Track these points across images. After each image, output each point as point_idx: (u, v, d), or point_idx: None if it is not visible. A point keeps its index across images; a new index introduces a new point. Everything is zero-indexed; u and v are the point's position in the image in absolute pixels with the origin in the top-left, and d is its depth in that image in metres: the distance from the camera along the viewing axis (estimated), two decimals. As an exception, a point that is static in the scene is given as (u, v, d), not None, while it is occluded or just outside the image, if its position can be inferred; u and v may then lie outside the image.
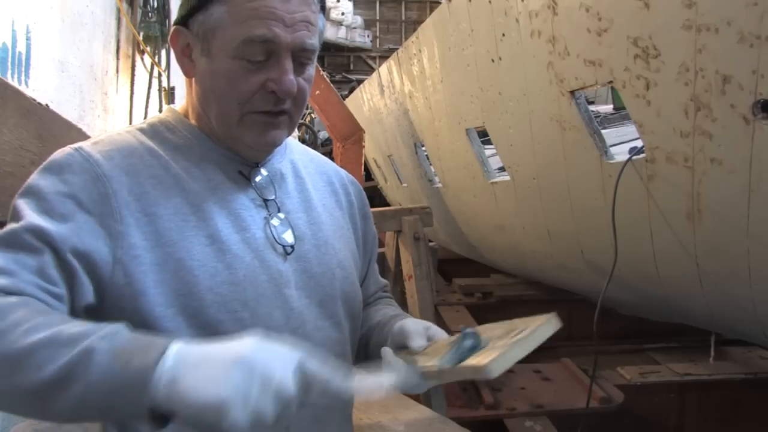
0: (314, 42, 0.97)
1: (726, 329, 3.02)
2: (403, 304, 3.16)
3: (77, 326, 0.78)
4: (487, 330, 0.97)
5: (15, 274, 0.83)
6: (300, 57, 0.97)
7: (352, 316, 1.12)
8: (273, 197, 1.05)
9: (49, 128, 1.97)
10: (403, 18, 20.34)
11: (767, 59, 1.69)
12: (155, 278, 0.90)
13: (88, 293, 0.89)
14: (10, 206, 0.94)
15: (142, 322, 0.89)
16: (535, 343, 0.87)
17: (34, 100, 1.90)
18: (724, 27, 1.76)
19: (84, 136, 2.26)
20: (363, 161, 6.47)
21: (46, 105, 2.09)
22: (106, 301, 0.91)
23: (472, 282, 4.87)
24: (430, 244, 4.00)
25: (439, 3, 3.58)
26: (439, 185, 4.66)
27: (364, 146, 5.84)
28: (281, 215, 1.04)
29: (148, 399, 0.73)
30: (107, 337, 0.76)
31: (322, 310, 1.04)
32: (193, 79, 1.02)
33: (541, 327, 0.90)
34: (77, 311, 0.88)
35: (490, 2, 2.89)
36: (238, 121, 0.98)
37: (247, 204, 1.01)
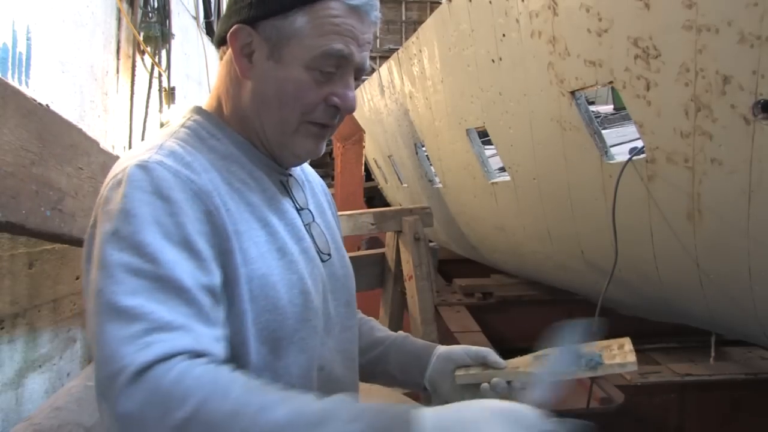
0: (368, 64, 1.02)
1: (726, 329, 3.02)
2: (403, 305, 3.16)
3: (312, 403, 0.75)
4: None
5: (190, 328, 0.78)
6: (357, 76, 1.01)
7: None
8: (306, 205, 1.08)
9: (50, 128, 1.97)
10: (404, 18, 20.33)
11: (767, 59, 1.69)
12: (248, 296, 0.89)
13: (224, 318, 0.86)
14: (105, 232, 0.83)
15: (239, 340, 0.87)
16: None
17: (35, 100, 1.90)
18: (724, 27, 1.76)
19: (84, 137, 2.26)
20: (363, 161, 6.47)
21: (47, 105, 2.09)
22: None
23: (472, 282, 4.87)
24: (431, 244, 4.00)
25: (440, 3, 3.58)
26: (440, 185, 4.66)
27: (364, 146, 5.85)
28: (315, 223, 1.08)
29: None
30: (352, 414, 0.73)
31: (348, 311, 1.09)
32: (249, 81, 0.99)
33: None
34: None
35: (490, 2, 2.89)
36: (295, 130, 0.99)
37: (294, 214, 1.03)
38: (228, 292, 0.87)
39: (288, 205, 1.03)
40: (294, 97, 0.97)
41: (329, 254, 1.06)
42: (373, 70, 5.59)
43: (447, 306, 4.53)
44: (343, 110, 0.99)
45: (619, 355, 0.99)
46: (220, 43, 1.04)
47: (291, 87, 0.96)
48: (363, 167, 6.41)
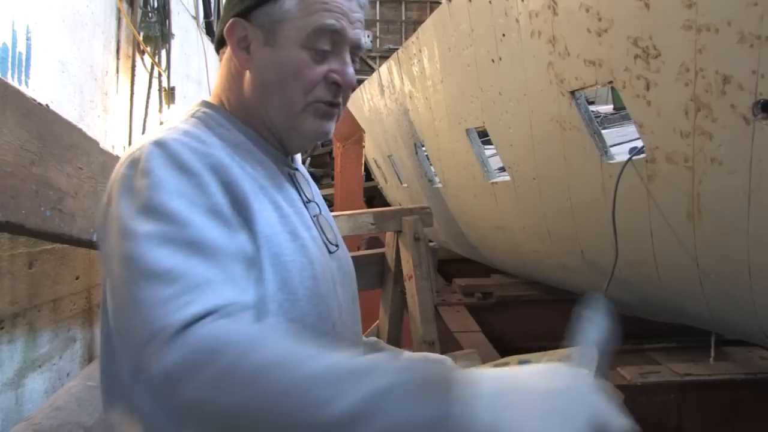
0: (363, 43, 1.05)
1: (726, 329, 3.02)
2: (403, 305, 3.16)
3: (356, 356, 0.72)
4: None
5: (230, 282, 0.78)
6: (353, 54, 1.03)
7: None
8: (312, 198, 1.09)
9: (50, 128, 1.97)
10: (404, 18, 20.32)
11: (767, 59, 1.69)
12: (270, 269, 0.90)
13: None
14: (134, 207, 0.81)
15: (259, 315, 0.85)
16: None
17: (35, 100, 1.90)
18: (724, 27, 1.76)
19: (84, 136, 2.26)
20: (363, 161, 6.47)
21: (47, 105, 2.09)
22: None
23: (472, 282, 4.87)
24: (431, 244, 4.00)
25: (440, 3, 3.58)
26: (440, 185, 4.66)
27: (364, 146, 5.85)
28: (322, 215, 1.09)
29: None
30: (394, 371, 0.68)
31: (353, 306, 1.09)
32: (248, 71, 1.02)
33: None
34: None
35: (490, 2, 2.89)
36: (302, 110, 1.00)
37: (301, 204, 1.04)
38: (255, 260, 0.88)
39: (296, 195, 1.04)
40: (294, 76, 0.98)
41: (337, 245, 1.07)
42: (372, 70, 5.59)
43: (447, 306, 4.53)
44: (344, 86, 1.01)
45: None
46: (220, 44, 1.06)
47: (290, 67, 0.98)
48: (363, 167, 6.42)
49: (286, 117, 1.01)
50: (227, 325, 0.73)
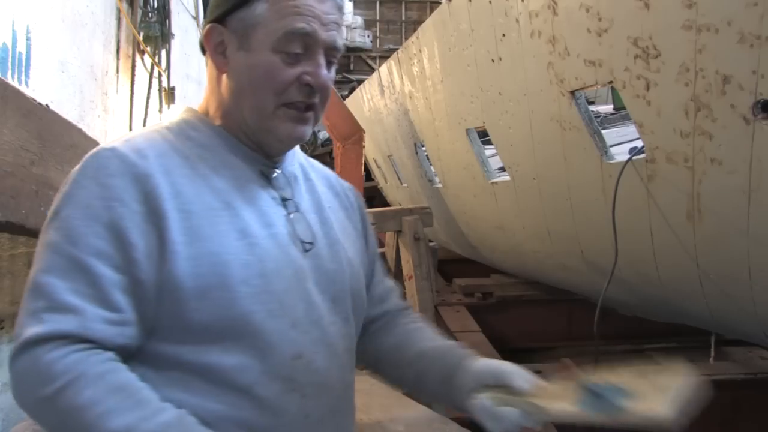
0: (341, 43, 1.05)
1: (726, 329, 3.02)
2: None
3: (149, 420, 0.84)
4: (609, 376, 0.96)
5: (80, 312, 0.87)
6: (329, 55, 1.04)
7: (358, 313, 1.15)
8: (291, 197, 1.10)
9: (50, 128, 1.97)
10: (404, 18, 20.32)
11: (767, 59, 1.69)
12: (191, 272, 0.93)
13: (152, 296, 0.93)
14: (51, 213, 0.93)
15: (176, 315, 0.93)
16: (686, 389, 0.88)
17: (35, 100, 1.90)
18: (724, 27, 1.77)
19: (84, 136, 2.26)
20: (363, 161, 6.47)
21: (47, 105, 2.09)
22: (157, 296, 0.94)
23: (472, 282, 4.87)
24: (431, 244, 4.00)
25: (440, 3, 3.58)
26: (440, 185, 4.67)
27: (364, 146, 5.85)
28: (299, 214, 1.09)
29: None
30: None
31: (335, 306, 1.08)
32: (225, 75, 1.05)
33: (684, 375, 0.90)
34: (147, 320, 0.93)
35: (490, 2, 2.89)
36: (272, 113, 1.03)
37: (270, 202, 1.06)
38: (161, 265, 0.93)
39: (264, 193, 1.05)
40: (265, 79, 1.01)
41: (311, 243, 1.07)
42: (372, 70, 5.59)
43: (447, 306, 4.53)
44: (316, 87, 1.02)
45: (653, 399, 0.85)
46: (203, 50, 1.10)
47: (261, 71, 1.01)
48: (363, 167, 6.41)
49: (259, 119, 1.04)
50: (63, 356, 0.84)
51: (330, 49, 1.03)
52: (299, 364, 0.99)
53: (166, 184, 0.96)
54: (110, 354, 0.88)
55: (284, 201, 1.07)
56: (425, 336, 1.23)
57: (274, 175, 1.09)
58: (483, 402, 0.99)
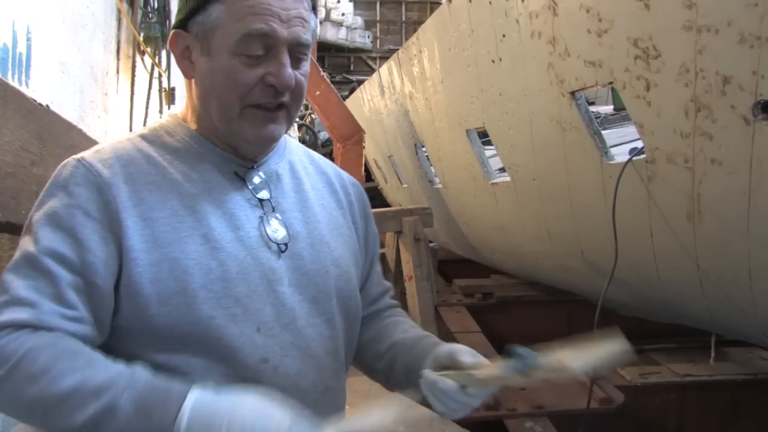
0: (308, 37, 1.02)
1: (726, 330, 3.02)
2: (403, 305, 3.16)
3: (101, 373, 0.87)
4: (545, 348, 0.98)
5: (37, 305, 0.90)
6: (296, 52, 1.01)
7: (348, 314, 1.13)
8: (268, 197, 1.08)
9: (50, 129, 1.97)
10: (404, 19, 20.30)
11: (767, 60, 1.69)
12: (151, 278, 0.95)
13: (109, 300, 0.95)
14: (28, 217, 0.99)
15: (139, 320, 0.95)
16: (609, 356, 0.92)
17: (35, 100, 1.90)
18: (724, 28, 1.77)
19: (84, 137, 2.26)
20: (363, 162, 6.47)
21: (47, 106, 2.09)
22: (116, 302, 0.96)
23: (472, 283, 4.87)
24: (431, 244, 4.00)
25: (440, 4, 3.58)
26: (440, 186, 4.66)
27: (364, 147, 5.84)
28: (276, 214, 1.07)
29: None
30: (128, 388, 0.86)
31: (315, 307, 1.06)
32: (194, 80, 1.05)
33: (610, 345, 0.93)
34: (102, 322, 0.95)
35: (490, 3, 2.89)
36: (238, 115, 1.01)
37: (242, 203, 1.04)
38: (121, 272, 0.95)
39: (237, 195, 1.04)
40: (226, 83, 0.99)
41: (286, 245, 1.05)
42: (373, 71, 5.59)
43: (447, 306, 4.53)
44: (280, 87, 0.99)
45: (569, 357, 0.90)
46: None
47: (222, 75, 1.00)
48: (363, 167, 6.41)
49: (226, 123, 1.03)
50: (15, 338, 0.88)
51: (295, 46, 1.00)
52: (266, 368, 0.98)
53: (128, 192, 0.98)
54: (60, 333, 0.91)
55: (261, 201, 1.06)
56: (400, 328, 1.22)
57: (253, 177, 1.07)
58: (426, 375, 1.01)
